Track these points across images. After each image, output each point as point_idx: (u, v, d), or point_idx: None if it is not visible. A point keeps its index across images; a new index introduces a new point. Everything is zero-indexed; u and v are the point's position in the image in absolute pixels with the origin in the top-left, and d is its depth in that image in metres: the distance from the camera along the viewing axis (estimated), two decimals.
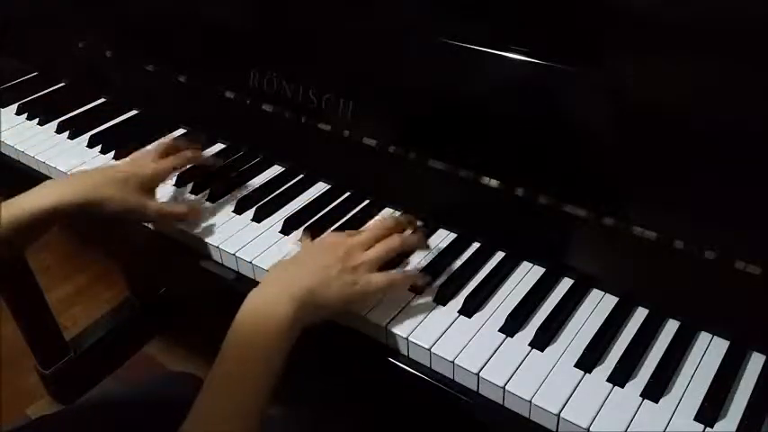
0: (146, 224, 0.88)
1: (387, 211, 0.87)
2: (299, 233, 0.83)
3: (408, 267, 0.77)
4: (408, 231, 0.76)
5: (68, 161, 1.00)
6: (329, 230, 0.82)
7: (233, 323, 0.63)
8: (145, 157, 0.86)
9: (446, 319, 0.71)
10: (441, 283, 0.75)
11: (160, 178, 0.85)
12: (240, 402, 0.60)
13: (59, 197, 0.76)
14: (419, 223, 0.81)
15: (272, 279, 0.68)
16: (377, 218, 0.84)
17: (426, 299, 0.73)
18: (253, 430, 0.60)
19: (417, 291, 0.74)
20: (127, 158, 0.91)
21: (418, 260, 0.78)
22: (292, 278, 0.66)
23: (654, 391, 0.63)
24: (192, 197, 0.91)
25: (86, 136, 1.06)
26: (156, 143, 0.89)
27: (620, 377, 0.64)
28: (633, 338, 0.69)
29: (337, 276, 0.67)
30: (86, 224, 0.89)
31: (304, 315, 0.64)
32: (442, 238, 0.82)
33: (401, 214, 0.83)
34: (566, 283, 0.75)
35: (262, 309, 0.64)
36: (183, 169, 0.92)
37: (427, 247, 0.79)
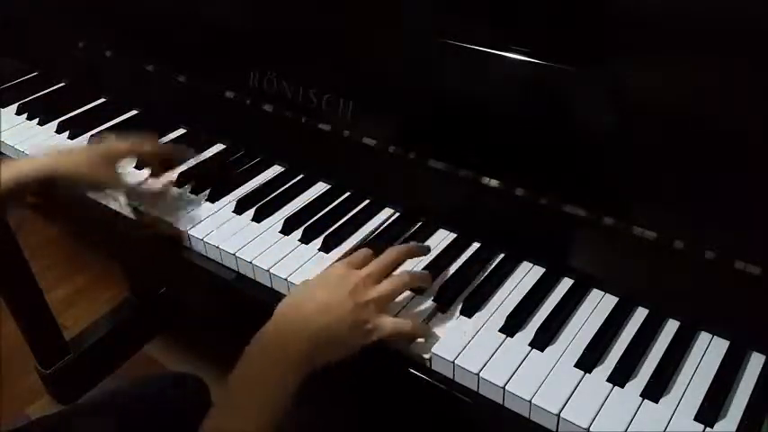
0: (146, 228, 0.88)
1: (387, 212, 0.87)
2: (298, 233, 0.83)
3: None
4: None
5: None
6: (346, 246, 0.81)
7: (243, 358, 0.63)
8: (114, 139, 0.91)
9: (446, 318, 0.71)
10: (441, 284, 0.75)
11: (125, 154, 0.88)
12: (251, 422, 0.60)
13: (28, 168, 0.81)
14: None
15: (281, 316, 0.66)
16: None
17: (426, 300, 0.73)
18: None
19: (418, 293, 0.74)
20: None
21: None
22: (302, 317, 0.65)
23: (654, 391, 0.63)
24: (193, 197, 0.92)
25: (86, 136, 1.06)
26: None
27: (620, 377, 0.64)
28: (633, 338, 0.69)
29: (348, 315, 0.65)
30: (61, 198, 0.94)
31: (311, 357, 0.63)
32: (442, 238, 0.82)
33: (415, 244, 0.79)
34: (566, 283, 0.75)
35: (268, 354, 0.64)
36: (182, 170, 0.92)
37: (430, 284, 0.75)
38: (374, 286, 0.67)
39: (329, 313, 0.65)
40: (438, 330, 0.70)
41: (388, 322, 0.66)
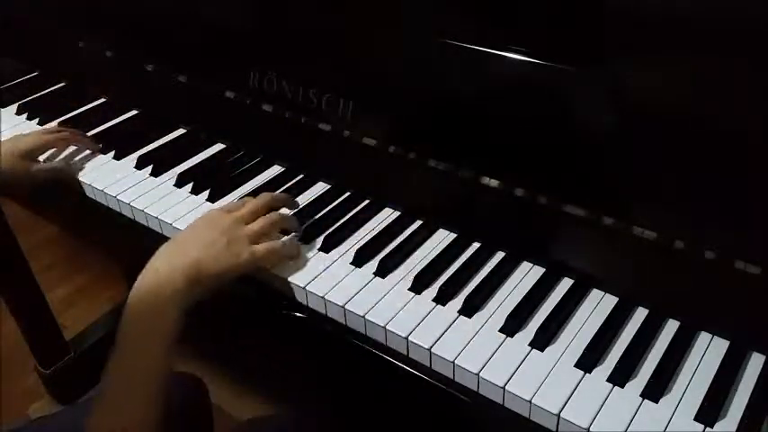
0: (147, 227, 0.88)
1: (386, 212, 0.87)
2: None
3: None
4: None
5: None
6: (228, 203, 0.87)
7: (127, 303, 0.67)
8: (27, 132, 1.01)
9: (446, 319, 0.71)
10: (441, 284, 0.75)
11: (38, 146, 0.97)
12: (139, 376, 0.65)
13: None
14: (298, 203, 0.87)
15: (162, 256, 0.70)
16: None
17: (425, 299, 0.74)
18: (150, 406, 0.65)
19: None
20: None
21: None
22: (181, 255, 0.70)
23: (654, 391, 0.63)
24: (192, 197, 0.91)
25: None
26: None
27: (620, 377, 0.64)
28: (633, 338, 0.69)
29: (223, 250, 0.70)
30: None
31: (193, 289, 0.68)
32: (441, 238, 0.82)
33: (282, 192, 0.88)
34: (566, 283, 0.75)
35: (154, 287, 0.67)
36: (182, 170, 0.91)
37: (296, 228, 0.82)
38: (245, 225, 0.74)
39: (204, 249, 0.70)
40: (438, 330, 0.70)
41: (258, 248, 0.73)
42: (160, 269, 0.69)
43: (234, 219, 0.75)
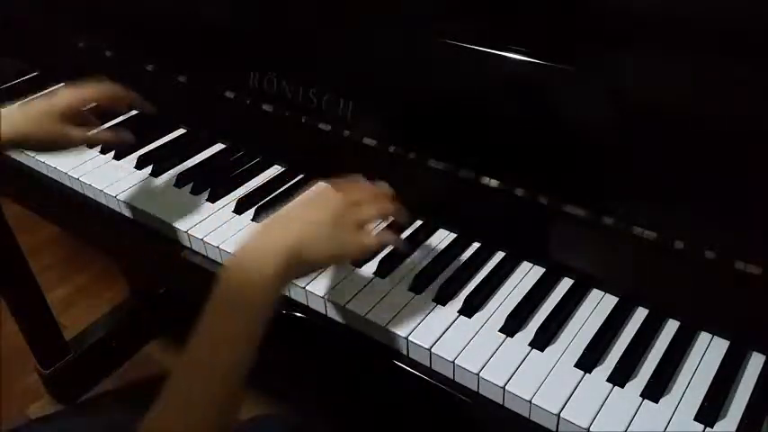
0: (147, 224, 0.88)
1: None
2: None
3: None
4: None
5: (68, 161, 1.00)
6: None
7: (220, 280, 0.60)
8: (60, 90, 0.88)
9: (446, 319, 0.71)
10: (441, 284, 0.75)
11: (76, 105, 0.86)
12: (219, 371, 0.56)
13: None
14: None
15: (260, 234, 0.64)
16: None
17: (425, 299, 0.74)
18: (234, 396, 0.57)
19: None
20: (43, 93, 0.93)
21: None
22: (281, 234, 0.63)
23: (654, 391, 0.63)
24: (192, 197, 0.92)
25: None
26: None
27: (620, 377, 0.64)
28: (633, 338, 0.69)
29: (328, 234, 0.65)
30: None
31: (289, 272, 0.62)
32: (442, 238, 0.82)
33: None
34: (566, 283, 0.75)
35: (247, 265, 0.61)
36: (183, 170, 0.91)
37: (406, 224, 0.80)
38: (356, 208, 0.67)
39: (311, 229, 0.64)
40: (438, 330, 0.70)
41: (369, 239, 0.68)
42: (260, 245, 0.62)
43: (347, 202, 0.67)
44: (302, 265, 0.64)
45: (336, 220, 0.65)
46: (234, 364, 0.57)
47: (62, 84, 0.93)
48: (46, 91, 0.99)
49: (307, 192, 0.70)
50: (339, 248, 0.66)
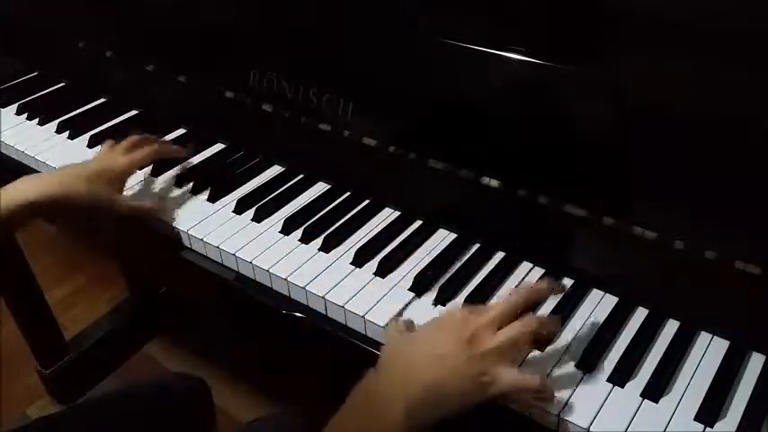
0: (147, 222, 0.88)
1: (386, 211, 0.86)
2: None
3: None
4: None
5: (68, 161, 0.99)
6: (455, 301, 0.72)
7: (342, 409, 0.57)
8: (115, 152, 0.88)
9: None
10: (441, 284, 0.75)
11: (129, 172, 0.88)
12: None
13: (33, 193, 0.79)
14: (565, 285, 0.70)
15: (387, 366, 0.59)
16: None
17: (425, 299, 0.73)
18: None
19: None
20: (98, 152, 0.91)
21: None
22: (410, 369, 0.58)
23: (654, 391, 0.63)
24: (192, 197, 0.91)
25: (86, 136, 1.06)
26: (126, 139, 0.90)
27: (620, 377, 0.64)
28: (633, 338, 0.69)
29: (463, 367, 0.57)
30: (67, 218, 0.92)
31: (419, 416, 0.56)
32: (441, 238, 0.82)
33: (542, 279, 0.73)
34: (566, 283, 0.75)
35: (370, 408, 0.57)
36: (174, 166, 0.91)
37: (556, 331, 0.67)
38: (495, 333, 0.59)
39: (442, 365, 0.57)
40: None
41: (508, 374, 0.58)
42: (382, 384, 0.57)
43: (481, 323, 0.59)
44: (434, 407, 0.57)
45: (471, 348, 0.58)
46: None
47: (109, 141, 0.91)
48: (97, 149, 0.97)
49: (435, 320, 0.63)
50: (473, 386, 0.57)
